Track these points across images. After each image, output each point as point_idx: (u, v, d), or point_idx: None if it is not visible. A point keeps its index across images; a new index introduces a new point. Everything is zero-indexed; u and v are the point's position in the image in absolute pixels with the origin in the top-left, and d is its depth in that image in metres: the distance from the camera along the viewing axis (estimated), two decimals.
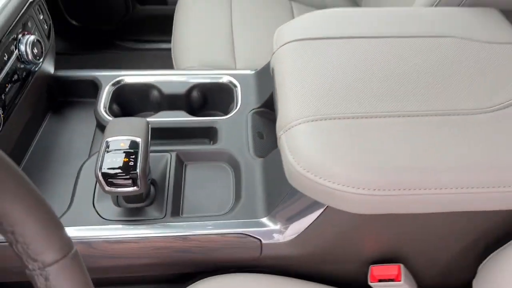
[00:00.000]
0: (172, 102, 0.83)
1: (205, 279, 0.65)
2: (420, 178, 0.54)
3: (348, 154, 0.55)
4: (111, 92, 0.81)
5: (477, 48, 0.69)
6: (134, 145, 0.60)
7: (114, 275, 0.70)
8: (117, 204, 0.66)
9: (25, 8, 0.73)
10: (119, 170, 0.58)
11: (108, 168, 0.58)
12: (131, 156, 0.59)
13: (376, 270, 0.67)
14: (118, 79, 0.83)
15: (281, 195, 0.64)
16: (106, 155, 0.59)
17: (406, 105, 0.60)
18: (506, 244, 0.60)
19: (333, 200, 0.56)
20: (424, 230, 0.62)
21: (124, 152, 0.59)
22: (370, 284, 0.67)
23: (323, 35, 0.71)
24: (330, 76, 0.64)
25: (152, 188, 0.68)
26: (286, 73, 0.66)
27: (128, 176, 0.58)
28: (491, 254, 0.62)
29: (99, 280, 0.65)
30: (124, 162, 0.58)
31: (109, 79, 0.83)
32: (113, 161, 0.59)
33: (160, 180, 0.69)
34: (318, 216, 0.61)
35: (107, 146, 0.60)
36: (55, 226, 0.31)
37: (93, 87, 0.84)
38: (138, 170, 0.58)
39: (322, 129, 0.58)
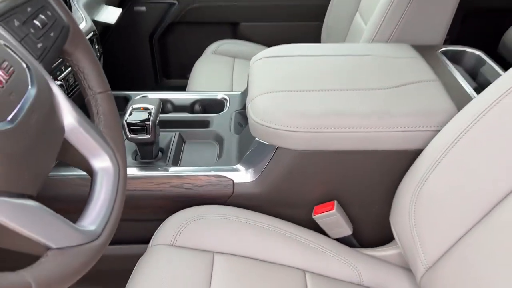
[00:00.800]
0: (180, 110, 1.15)
1: (189, 208, 0.89)
2: (334, 121, 0.82)
3: (290, 109, 0.84)
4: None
5: (386, 60, 1.01)
6: (148, 109, 0.91)
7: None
8: (135, 159, 0.95)
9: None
10: (138, 121, 0.88)
11: (131, 120, 0.88)
12: (146, 114, 0.89)
13: (318, 207, 0.91)
14: (143, 95, 1.17)
15: (248, 149, 0.91)
16: (130, 113, 0.90)
17: (332, 85, 0.91)
18: (402, 181, 0.84)
19: (280, 139, 0.84)
20: (349, 171, 0.87)
21: (141, 112, 0.90)
22: (314, 217, 0.90)
23: (283, 54, 1.05)
24: (282, 73, 0.96)
25: (159, 153, 0.97)
26: (254, 73, 0.99)
27: (143, 124, 0.87)
28: (397, 191, 0.85)
29: None
30: (141, 117, 0.89)
31: (136, 95, 1.17)
32: (134, 117, 0.89)
33: (166, 149, 0.98)
34: (272, 157, 0.87)
35: (132, 109, 0.91)
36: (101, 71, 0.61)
37: (124, 101, 1.17)
38: (150, 122, 0.88)
39: (274, 97, 0.88)
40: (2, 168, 0.39)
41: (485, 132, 0.70)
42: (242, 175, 0.91)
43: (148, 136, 0.89)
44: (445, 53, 1.09)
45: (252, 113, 0.87)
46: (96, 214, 0.51)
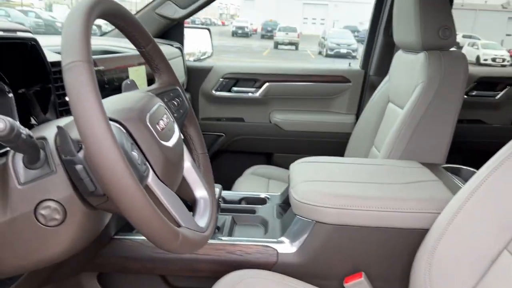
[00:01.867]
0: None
1: (242, 270, 1.07)
2: (357, 201, 1.06)
3: (325, 191, 1.10)
4: None
5: (398, 168, 1.29)
6: None
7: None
8: None
9: None
10: None
11: None
12: None
13: (348, 278, 1.08)
14: None
15: (290, 225, 1.14)
16: None
17: (356, 179, 1.17)
18: (416, 255, 1.03)
19: (317, 214, 1.07)
20: (372, 246, 1.07)
21: None
22: (345, 285, 1.07)
23: (317, 161, 1.34)
24: (318, 170, 1.24)
25: (216, 230, 1.19)
26: (294, 171, 1.27)
27: None
28: (412, 265, 1.03)
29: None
30: None
31: None
32: None
33: (221, 227, 1.21)
34: (310, 230, 1.09)
35: None
36: (203, 139, 0.90)
37: None
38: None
39: (312, 184, 1.14)
40: (166, 169, 0.65)
41: (475, 208, 0.93)
42: (285, 246, 1.11)
43: None
44: (446, 168, 1.37)
45: (294, 194, 1.13)
46: (203, 219, 0.74)
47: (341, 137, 2.09)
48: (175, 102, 0.84)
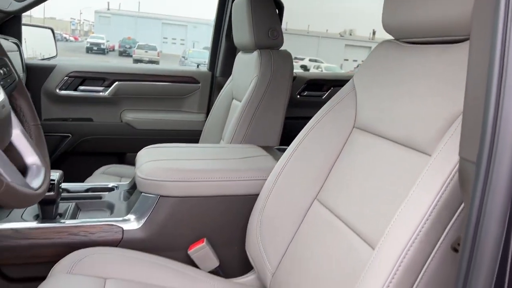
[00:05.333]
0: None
1: (85, 248, 1.07)
2: (200, 174, 1.16)
3: (169, 167, 1.16)
4: None
5: (236, 148, 1.43)
6: (52, 175, 1.14)
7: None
8: (36, 220, 1.13)
9: None
10: None
11: None
12: (52, 176, 1.12)
13: (192, 245, 1.16)
14: None
15: (135, 202, 1.18)
16: None
17: (198, 157, 1.27)
18: (250, 216, 1.16)
19: (161, 189, 1.13)
20: (213, 213, 1.17)
21: None
22: (189, 253, 1.14)
23: (163, 146, 1.40)
24: (162, 153, 1.30)
25: (58, 217, 1.16)
26: (140, 155, 1.31)
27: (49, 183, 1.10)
28: (248, 225, 1.16)
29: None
30: None
31: None
32: None
33: (64, 214, 1.18)
34: (155, 205, 1.14)
35: None
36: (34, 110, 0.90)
37: None
38: (55, 181, 1.11)
39: (157, 162, 1.20)
40: None
41: (291, 170, 1.10)
42: (130, 223, 1.15)
43: (52, 193, 1.10)
44: (277, 149, 1.56)
45: (139, 173, 1.17)
46: (35, 181, 0.74)
47: (193, 135, 2.19)
48: (1, 71, 0.82)
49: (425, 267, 0.64)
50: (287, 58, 1.70)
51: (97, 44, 29.92)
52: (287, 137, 1.67)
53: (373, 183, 0.88)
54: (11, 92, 0.85)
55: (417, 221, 0.65)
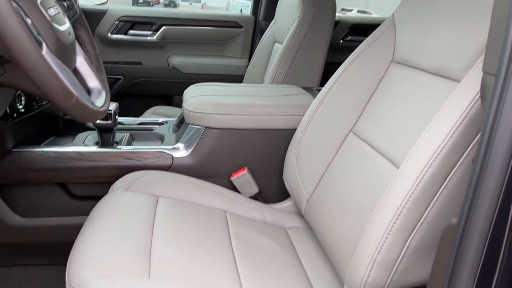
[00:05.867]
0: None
1: (135, 172, 1.19)
2: (242, 108, 1.24)
3: (214, 101, 1.25)
4: None
5: (277, 87, 1.49)
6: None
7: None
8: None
9: None
10: None
11: None
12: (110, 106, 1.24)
13: (234, 173, 1.26)
14: None
15: (183, 133, 1.28)
16: None
17: (242, 94, 1.34)
18: (288, 148, 1.24)
19: (206, 121, 1.23)
20: (254, 145, 1.26)
21: None
22: (231, 179, 1.25)
23: (209, 84, 1.49)
24: (208, 90, 1.39)
25: (115, 144, 1.29)
26: (187, 92, 1.40)
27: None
28: (286, 156, 1.24)
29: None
30: None
31: None
32: None
33: (120, 143, 1.31)
34: (201, 135, 1.24)
35: None
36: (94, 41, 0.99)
37: None
38: (112, 111, 1.22)
39: (203, 97, 1.29)
40: (59, 47, 0.75)
41: (329, 103, 1.15)
42: (179, 151, 1.26)
43: (110, 121, 1.22)
44: (317, 90, 1.60)
45: (186, 106, 1.27)
46: (98, 101, 0.86)
47: (236, 80, 2.26)
48: (65, 4, 0.92)
49: (445, 182, 0.69)
50: (330, 1, 1.69)
51: None
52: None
53: (406, 111, 0.92)
54: (74, 23, 0.94)
55: (441, 139, 0.69)
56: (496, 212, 0.55)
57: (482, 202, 0.55)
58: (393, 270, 0.72)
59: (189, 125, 1.27)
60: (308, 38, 1.65)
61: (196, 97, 1.30)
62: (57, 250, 1.17)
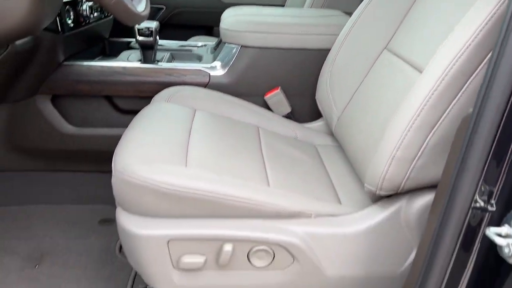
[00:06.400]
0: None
1: (175, 86, 1.25)
2: (278, 27, 1.25)
3: (250, 20, 1.28)
4: None
5: (317, 10, 1.48)
6: (151, 26, 1.31)
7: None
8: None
9: None
10: (145, 27, 1.28)
11: (140, 27, 1.28)
12: (151, 24, 1.29)
13: (267, 93, 1.31)
14: None
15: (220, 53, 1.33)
16: (139, 25, 1.30)
17: (279, 16, 1.35)
18: (321, 68, 1.26)
19: (242, 39, 1.26)
20: (288, 65, 1.29)
21: (147, 23, 1.30)
22: (265, 98, 1.30)
23: (246, 7, 1.50)
24: (248, 11, 1.41)
25: (157, 62, 1.36)
26: (225, 12, 1.43)
27: (148, 30, 1.27)
28: (319, 76, 1.27)
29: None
30: (148, 25, 1.29)
31: None
32: (142, 25, 1.29)
33: (161, 61, 1.37)
34: (236, 54, 1.28)
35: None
36: None
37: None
38: (153, 28, 1.28)
39: (239, 17, 1.31)
40: None
41: (365, 20, 1.15)
42: (216, 70, 1.31)
43: (151, 38, 1.28)
44: None
45: (223, 25, 1.30)
46: (140, 6, 0.92)
47: (279, 5, 2.25)
48: None
49: (470, 78, 0.70)
50: None
51: None
52: None
53: (441, 23, 0.91)
54: None
55: (462, 44, 0.70)
56: (508, 105, 0.56)
57: (495, 94, 0.56)
58: (411, 167, 0.76)
59: (226, 44, 1.31)
60: None
61: (234, 16, 1.33)
62: (102, 158, 1.28)
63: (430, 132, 0.73)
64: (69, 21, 1.24)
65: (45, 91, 1.26)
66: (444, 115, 0.73)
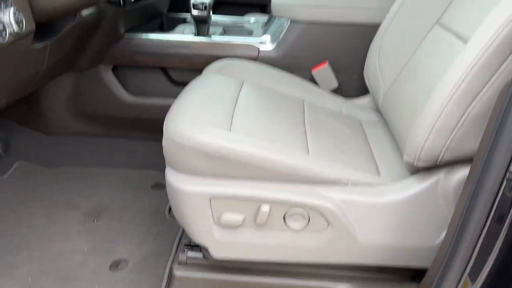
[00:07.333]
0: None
1: (225, 58, 1.30)
2: (326, 1, 1.26)
3: None
4: None
5: None
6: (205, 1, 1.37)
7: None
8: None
9: None
10: (199, 2, 1.33)
11: (195, 2, 1.34)
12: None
13: (315, 67, 1.32)
14: None
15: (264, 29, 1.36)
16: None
17: None
18: (371, 44, 1.25)
19: (291, 12, 1.28)
20: (336, 40, 1.30)
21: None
22: (312, 73, 1.32)
23: None
24: None
25: (210, 36, 1.41)
26: None
27: (202, 4, 1.33)
28: (368, 52, 1.26)
29: None
30: (201, 0, 1.34)
31: None
32: (196, 1, 1.34)
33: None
34: (286, 29, 1.31)
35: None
36: None
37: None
38: (207, 3, 1.33)
39: None
40: None
41: (411, 4, 1.13)
42: (265, 45, 1.35)
43: (205, 13, 1.34)
44: None
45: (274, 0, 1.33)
46: None
47: None
48: None
49: (510, 57, 0.69)
50: None
51: None
52: None
53: None
54: None
55: (508, 14, 0.68)
56: None
57: None
58: (451, 137, 0.76)
59: (276, 19, 1.34)
60: None
61: None
62: (156, 126, 1.37)
63: (472, 102, 0.73)
64: None
65: (107, 61, 1.36)
66: (487, 86, 0.72)
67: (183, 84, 1.42)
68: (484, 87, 0.72)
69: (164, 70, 1.41)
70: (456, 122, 0.74)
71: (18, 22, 0.77)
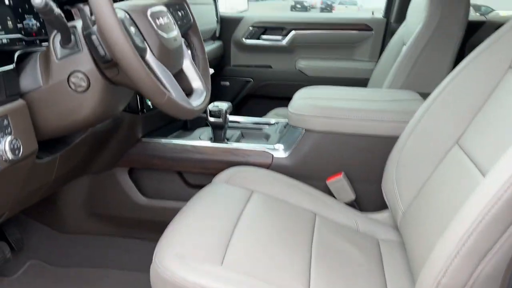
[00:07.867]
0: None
1: (238, 166, 1.28)
2: (342, 112, 1.23)
3: (315, 104, 1.27)
4: None
5: (389, 92, 1.42)
6: (222, 107, 1.38)
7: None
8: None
9: None
10: (216, 109, 1.35)
11: (211, 108, 1.35)
12: (221, 106, 1.36)
13: (330, 177, 1.26)
14: None
15: (285, 135, 1.33)
16: (211, 107, 1.37)
17: (347, 98, 1.33)
18: (389, 157, 1.18)
19: (306, 123, 1.26)
20: (353, 151, 1.24)
21: (217, 106, 1.37)
22: (327, 183, 1.25)
23: (318, 88, 1.50)
24: (315, 93, 1.41)
25: (226, 141, 1.41)
26: (296, 94, 1.45)
27: (219, 111, 1.34)
28: (386, 165, 1.19)
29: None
30: (218, 107, 1.35)
31: None
32: (213, 107, 1.36)
33: (230, 139, 1.42)
34: (301, 138, 1.28)
35: (212, 105, 1.38)
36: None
37: None
38: (223, 110, 1.34)
39: (306, 101, 1.32)
40: (162, 52, 0.87)
41: (435, 112, 1.07)
42: (279, 152, 1.31)
43: (221, 120, 1.34)
44: None
45: (290, 108, 1.31)
46: (196, 101, 0.97)
47: (362, 83, 2.21)
48: (179, 13, 1.05)
49: None
50: (462, 0, 1.55)
51: (301, 3, 31.11)
52: None
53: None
54: (187, 30, 1.07)
55: None
56: None
57: None
58: None
59: (291, 126, 1.32)
60: (432, 41, 1.54)
61: (301, 99, 1.34)
62: None
63: (479, 265, 0.63)
64: (149, 103, 1.36)
65: (123, 164, 1.38)
66: (502, 239, 0.63)
67: (198, 187, 1.40)
68: (503, 233, 0.62)
69: (180, 173, 1.40)
70: (465, 282, 0.64)
71: (13, 150, 0.78)
